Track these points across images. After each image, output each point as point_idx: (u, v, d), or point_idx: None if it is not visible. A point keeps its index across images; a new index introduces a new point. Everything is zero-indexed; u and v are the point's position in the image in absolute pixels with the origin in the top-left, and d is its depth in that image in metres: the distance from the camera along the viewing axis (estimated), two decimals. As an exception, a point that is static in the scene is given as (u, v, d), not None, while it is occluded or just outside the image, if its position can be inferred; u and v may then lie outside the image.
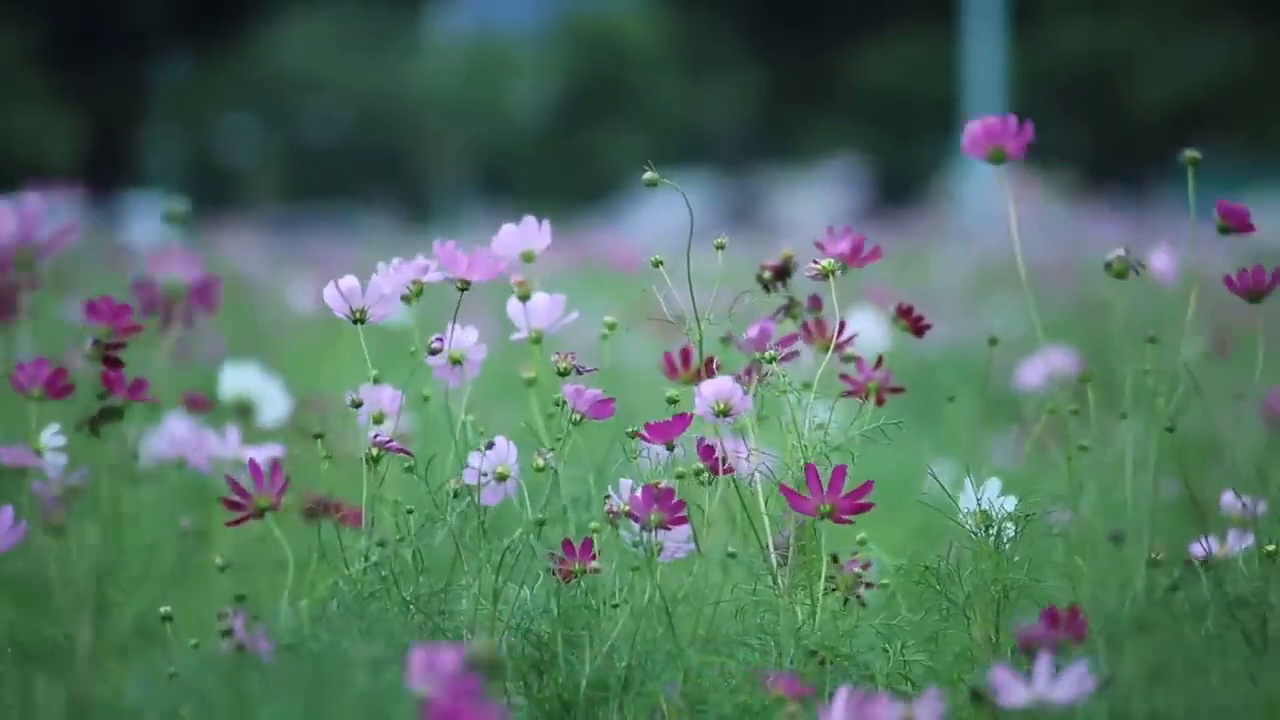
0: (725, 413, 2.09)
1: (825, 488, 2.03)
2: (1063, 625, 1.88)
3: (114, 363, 2.11)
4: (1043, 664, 1.77)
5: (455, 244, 2.17)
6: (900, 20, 30.26)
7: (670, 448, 2.08)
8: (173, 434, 2.69)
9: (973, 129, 2.20)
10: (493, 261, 2.16)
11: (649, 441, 2.08)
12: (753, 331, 2.27)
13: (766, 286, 2.33)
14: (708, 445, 2.09)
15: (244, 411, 3.05)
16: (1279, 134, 26.38)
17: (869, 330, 3.63)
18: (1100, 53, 28.47)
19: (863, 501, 2.03)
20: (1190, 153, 2.10)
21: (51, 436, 2.14)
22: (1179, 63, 28.44)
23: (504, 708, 1.94)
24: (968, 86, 22.16)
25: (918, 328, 2.31)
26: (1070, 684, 1.76)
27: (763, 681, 1.90)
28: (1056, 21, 29.00)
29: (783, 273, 2.34)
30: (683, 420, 2.08)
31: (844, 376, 2.26)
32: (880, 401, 2.25)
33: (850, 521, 2.05)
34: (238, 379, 3.07)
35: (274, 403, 3.09)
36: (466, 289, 2.16)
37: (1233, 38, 28.48)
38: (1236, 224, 2.11)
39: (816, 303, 2.33)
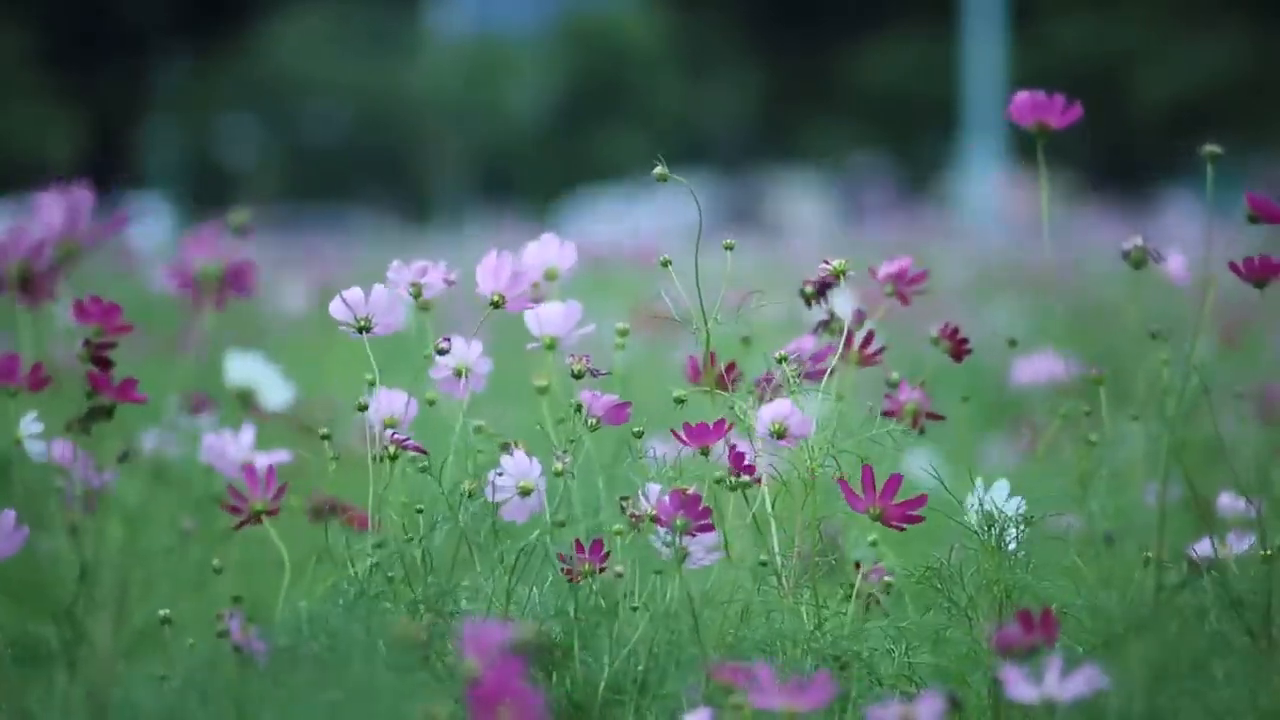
0: (781, 434, 2.08)
1: (879, 492, 2.02)
2: (1037, 627, 1.86)
3: (104, 363, 2.10)
4: (1053, 665, 1.76)
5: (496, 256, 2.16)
6: (900, 20, 30.27)
7: (705, 453, 2.07)
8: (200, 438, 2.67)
9: (1020, 99, 2.19)
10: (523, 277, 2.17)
11: (685, 444, 2.07)
12: (792, 348, 2.25)
13: (808, 301, 2.32)
14: (739, 452, 2.07)
15: (246, 399, 3.04)
16: (1279, 134, 26.38)
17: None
18: (1100, 53, 28.47)
19: (914, 513, 2.02)
20: (1210, 148, 2.09)
21: (30, 423, 2.13)
22: (1179, 63, 28.45)
23: (543, 691, 1.94)
24: (968, 86, 22.18)
25: (959, 350, 2.31)
26: (1078, 683, 1.76)
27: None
28: (1056, 21, 29.00)
29: (825, 288, 2.33)
30: (720, 426, 2.07)
31: (887, 396, 2.26)
32: (916, 424, 2.24)
33: (902, 528, 2.04)
34: (241, 367, 3.07)
35: (275, 390, 3.08)
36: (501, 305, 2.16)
37: (1232, 37, 28.49)
38: (1266, 214, 2.10)
39: (860, 317, 2.32)
